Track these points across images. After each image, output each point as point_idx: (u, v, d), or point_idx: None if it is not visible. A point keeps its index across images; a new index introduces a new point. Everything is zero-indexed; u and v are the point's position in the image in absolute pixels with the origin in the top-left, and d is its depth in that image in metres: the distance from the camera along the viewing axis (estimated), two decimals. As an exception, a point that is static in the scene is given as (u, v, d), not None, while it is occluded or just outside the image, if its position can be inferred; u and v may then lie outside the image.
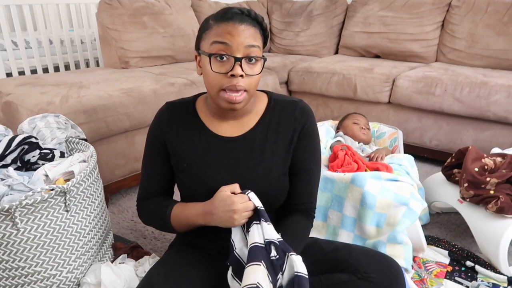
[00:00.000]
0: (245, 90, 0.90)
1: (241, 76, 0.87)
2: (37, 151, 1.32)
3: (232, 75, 0.87)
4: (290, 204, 1.03)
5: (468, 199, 1.42)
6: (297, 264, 0.83)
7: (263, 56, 0.91)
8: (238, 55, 0.87)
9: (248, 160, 0.98)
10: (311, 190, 1.04)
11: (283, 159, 1.00)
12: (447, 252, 1.46)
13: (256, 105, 1.02)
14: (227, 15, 0.88)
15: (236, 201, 0.88)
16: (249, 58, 0.88)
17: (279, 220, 1.02)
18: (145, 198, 1.07)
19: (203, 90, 1.07)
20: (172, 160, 1.02)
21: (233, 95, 0.89)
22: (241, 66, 0.87)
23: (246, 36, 0.87)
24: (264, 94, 1.06)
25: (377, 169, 1.45)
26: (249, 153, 0.99)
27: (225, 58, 0.88)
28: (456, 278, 1.35)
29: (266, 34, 0.94)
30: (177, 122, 1.01)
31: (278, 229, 0.93)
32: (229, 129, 1.00)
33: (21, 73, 2.83)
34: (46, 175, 1.24)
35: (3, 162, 1.28)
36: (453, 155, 1.59)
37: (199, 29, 0.94)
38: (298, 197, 1.03)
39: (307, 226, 1.03)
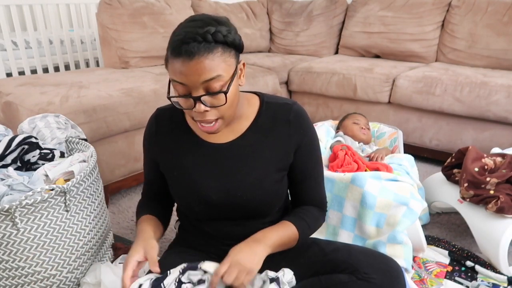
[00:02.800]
0: (218, 118, 0.86)
1: (207, 110, 0.83)
2: (37, 151, 1.31)
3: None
4: (301, 205, 1.04)
5: (468, 199, 1.42)
6: None
7: (222, 91, 0.81)
8: (196, 94, 0.81)
9: (240, 167, 0.95)
10: (319, 190, 1.05)
11: (277, 166, 0.96)
12: (447, 252, 1.46)
13: (247, 108, 0.97)
14: (176, 50, 0.80)
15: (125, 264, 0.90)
16: (209, 94, 0.82)
17: (291, 209, 1.04)
18: (143, 196, 1.13)
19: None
20: (162, 168, 1.02)
21: (206, 126, 0.86)
22: (202, 102, 0.82)
23: (200, 73, 0.79)
24: (256, 97, 1.00)
25: (377, 169, 1.45)
26: (240, 160, 0.95)
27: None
28: (456, 278, 1.35)
29: (236, 45, 0.84)
30: (165, 130, 1.00)
31: (289, 215, 0.99)
32: (219, 134, 0.95)
33: (21, 73, 2.83)
34: (46, 175, 1.24)
35: (3, 162, 1.28)
36: (453, 155, 1.59)
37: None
38: (309, 199, 1.03)
39: (319, 216, 1.04)
